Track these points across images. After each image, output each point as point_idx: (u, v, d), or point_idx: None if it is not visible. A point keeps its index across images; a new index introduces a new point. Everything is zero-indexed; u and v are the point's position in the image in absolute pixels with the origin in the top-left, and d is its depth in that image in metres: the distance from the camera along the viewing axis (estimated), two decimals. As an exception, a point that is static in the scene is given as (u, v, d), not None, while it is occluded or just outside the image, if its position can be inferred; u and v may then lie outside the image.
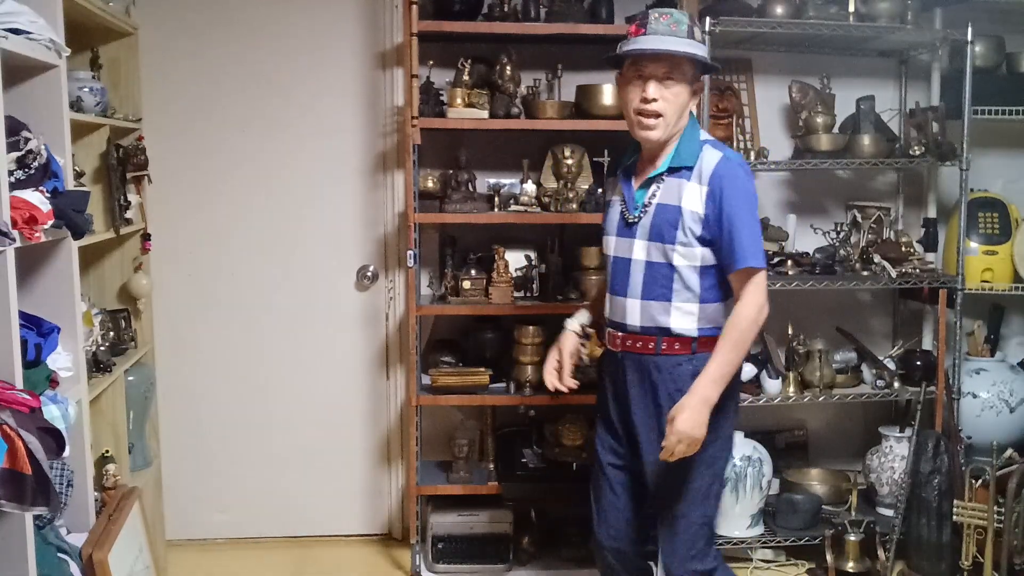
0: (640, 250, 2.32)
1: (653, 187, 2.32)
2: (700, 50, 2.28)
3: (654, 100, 2.25)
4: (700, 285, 2.30)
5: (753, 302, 2.23)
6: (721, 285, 2.32)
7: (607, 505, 2.51)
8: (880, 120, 3.58)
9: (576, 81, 3.41)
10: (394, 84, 3.56)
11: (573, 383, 2.55)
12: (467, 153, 3.44)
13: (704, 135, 2.37)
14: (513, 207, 3.37)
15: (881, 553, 3.21)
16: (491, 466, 3.46)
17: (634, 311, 2.34)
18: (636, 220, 2.33)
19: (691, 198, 2.26)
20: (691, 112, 2.36)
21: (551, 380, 2.55)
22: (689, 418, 2.19)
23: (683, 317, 2.31)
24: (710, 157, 2.28)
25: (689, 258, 2.28)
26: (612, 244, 2.41)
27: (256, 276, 3.63)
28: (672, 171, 2.31)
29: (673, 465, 2.28)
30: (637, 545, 2.52)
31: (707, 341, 2.30)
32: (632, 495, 2.48)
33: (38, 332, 2.18)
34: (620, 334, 2.39)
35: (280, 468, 3.70)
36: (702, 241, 2.27)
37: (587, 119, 3.33)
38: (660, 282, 2.30)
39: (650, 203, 2.31)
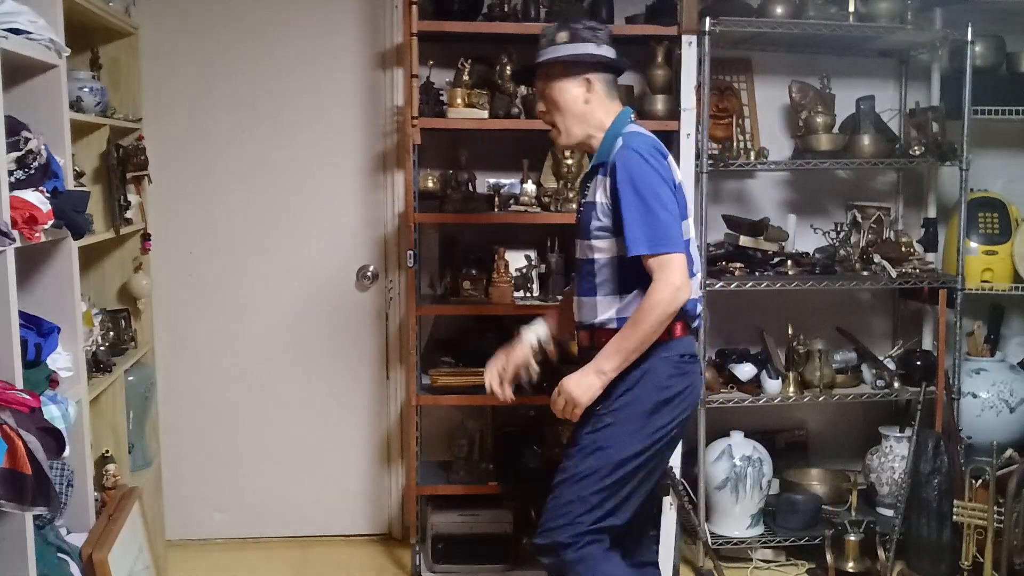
0: (578, 249, 2.43)
1: (587, 187, 2.41)
2: (551, 52, 2.38)
3: (543, 112, 2.44)
4: (619, 277, 2.33)
5: (655, 288, 2.22)
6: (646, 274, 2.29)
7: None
8: (880, 120, 3.58)
9: (576, 81, 3.40)
10: (394, 84, 3.56)
11: (509, 395, 2.56)
12: (467, 153, 3.44)
13: (631, 128, 2.35)
14: (513, 207, 3.37)
15: (881, 553, 3.21)
16: (491, 466, 3.46)
17: (578, 308, 2.43)
18: (578, 220, 2.45)
19: (600, 191, 2.33)
20: (627, 108, 2.42)
21: (492, 382, 2.57)
22: (575, 379, 2.30)
23: (606, 310, 2.35)
24: (617, 149, 2.29)
25: (604, 251, 2.34)
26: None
27: (256, 276, 3.63)
28: (596, 169, 2.38)
29: (569, 447, 2.42)
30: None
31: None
32: None
33: (38, 332, 2.18)
34: (579, 332, 2.48)
35: (280, 468, 3.70)
36: (613, 232, 2.30)
37: (587, 119, 3.33)
38: (586, 278, 2.39)
39: (583, 203, 2.42)
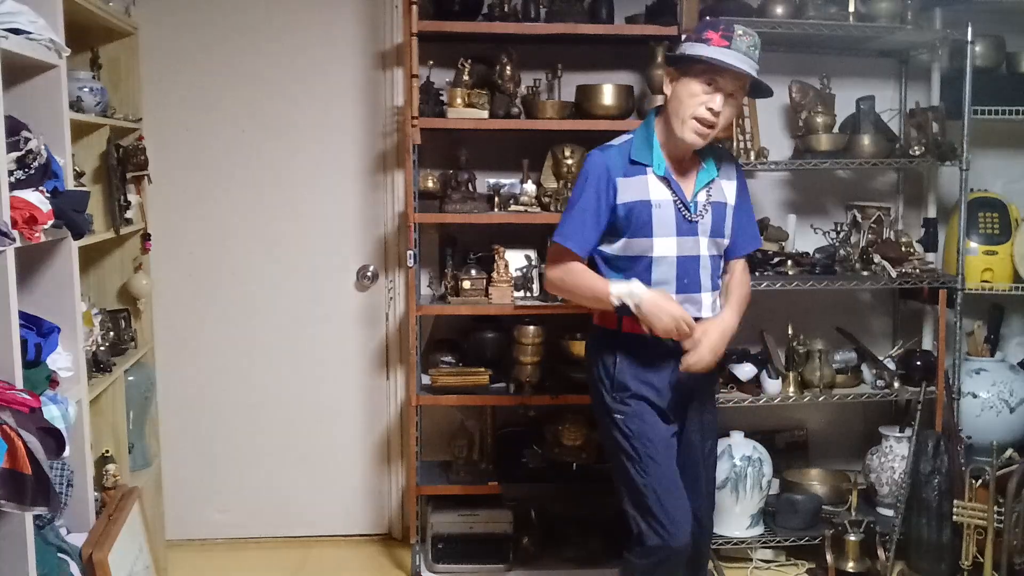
0: (705, 247, 2.43)
1: (707, 187, 2.44)
2: (754, 68, 2.36)
3: (719, 113, 2.32)
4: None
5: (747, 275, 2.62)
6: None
7: (678, 497, 2.42)
8: (880, 120, 3.58)
9: (576, 81, 3.41)
10: (394, 84, 3.56)
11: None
12: (467, 153, 3.44)
13: None
14: (513, 207, 3.37)
15: (881, 553, 3.21)
16: (491, 466, 3.46)
17: (707, 304, 2.45)
18: (697, 219, 2.41)
19: (730, 193, 2.49)
20: None
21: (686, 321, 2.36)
22: (724, 325, 2.43)
23: (716, 303, 2.50)
24: (721, 152, 2.52)
25: (724, 248, 2.51)
26: (671, 245, 2.40)
27: (256, 276, 3.63)
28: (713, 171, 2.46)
29: (708, 441, 2.56)
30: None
31: None
32: None
33: (38, 332, 2.18)
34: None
35: (280, 468, 3.70)
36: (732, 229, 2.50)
37: (587, 119, 3.33)
38: (716, 274, 2.49)
39: (708, 202, 2.43)
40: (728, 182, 2.48)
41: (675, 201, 2.39)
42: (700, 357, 2.35)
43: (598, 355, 2.49)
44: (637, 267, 2.40)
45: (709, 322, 2.40)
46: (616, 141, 2.47)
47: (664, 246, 2.39)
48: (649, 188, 2.39)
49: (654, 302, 2.32)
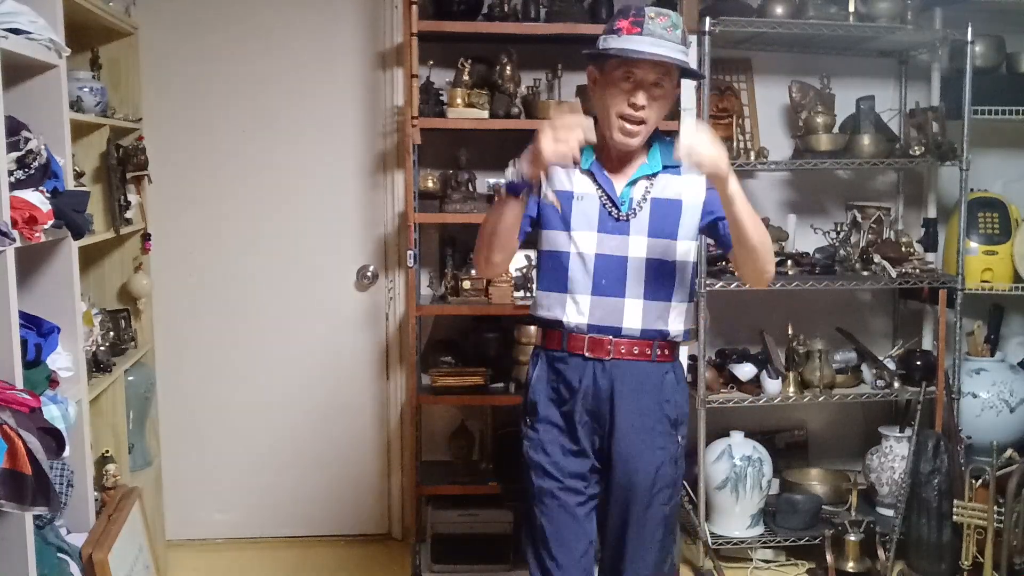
0: (638, 247, 2.14)
1: (644, 183, 2.16)
2: (691, 58, 2.17)
3: (642, 108, 2.08)
4: (690, 283, 2.22)
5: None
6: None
7: (577, 552, 2.18)
8: (880, 120, 3.58)
9: (576, 81, 3.40)
10: (394, 84, 3.56)
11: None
12: (467, 153, 3.44)
13: None
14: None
15: (881, 553, 3.21)
16: (491, 466, 3.46)
17: (635, 312, 2.14)
18: (627, 217, 2.15)
19: (693, 191, 2.17)
20: None
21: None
22: (717, 148, 1.95)
23: (677, 318, 2.19)
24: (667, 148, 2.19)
25: (684, 254, 2.19)
26: (590, 240, 2.15)
27: (256, 276, 3.63)
28: (665, 168, 2.18)
29: (653, 489, 2.17)
30: None
31: (677, 347, 2.24)
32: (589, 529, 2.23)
33: (38, 332, 2.18)
34: (610, 339, 2.15)
35: (280, 468, 3.70)
36: (698, 232, 2.20)
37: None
38: (662, 280, 2.16)
39: (645, 199, 2.15)
40: (691, 177, 2.14)
41: (600, 195, 2.15)
42: (701, 149, 1.93)
43: (526, 372, 2.31)
44: (555, 263, 2.18)
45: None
46: None
47: (582, 242, 2.15)
48: (573, 180, 2.17)
49: (531, 153, 1.99)
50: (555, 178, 2.18)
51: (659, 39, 2.03)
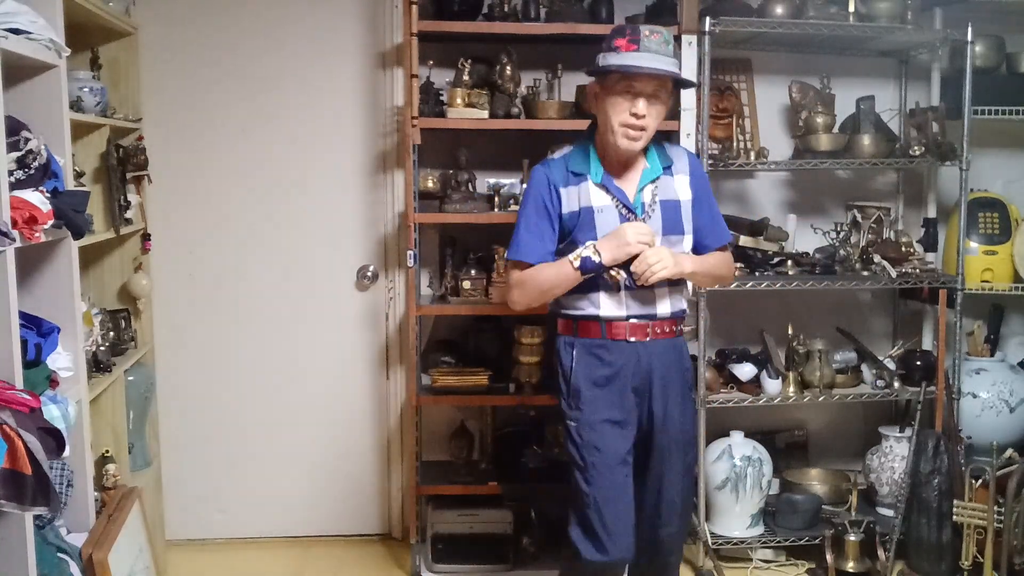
0: (657, 244, 2.40)
1: (651, 187, 2.44)
2: (675, 67, 2.38)
3: (643, 116, 2.34)
4: None
5: (732, 265, 2.65)
6: None
7: (623, 512, 2.42)
8: (880, 120, 3.58)
9: (576, 81, 3.40)
10: (394, 84, 3.56)
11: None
12: (467, 153, 3.44)
13: None
14: (513, 207, 3.37)
15: (881, 553, 3.21)
16: (491, 466, 3.46)
17: (665, 299, 2.44)
18: (643, 219, 2.41)
19: (683, 189, 2.47)
20: None
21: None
22: (667, 258, 2.34)
23: (684, 297, 2.52)
24: (676, 151, 2.53)
25: (687, 244, 2.48)
26: None
27: (256, 276, 3.63)
28: (663, 169, 2.46)
29: (685, 443, 2.51)
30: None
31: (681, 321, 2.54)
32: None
33: (38, 332, 2.18)
34: (648, 323, 2.43)
35: (280, 468, 3.70)
36: (692, 225, 2.49)
37: (587, 119, 3.32)
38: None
39: (655, 201, 2.42)
40: (681, 176, 2.47)
41: (616, 205, 2.41)
42: (652, 257, 2.30)
43: (559, 362, 2.50)
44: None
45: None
46: (556, 154, 2.51)
47: None
48: (591, 195, 2.41)
49: (607, 235, 2.36)
50: (573, 194, 2.43)
51: (655, 54, 2.31)
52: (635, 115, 2.33)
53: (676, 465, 2.49)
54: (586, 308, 2.44)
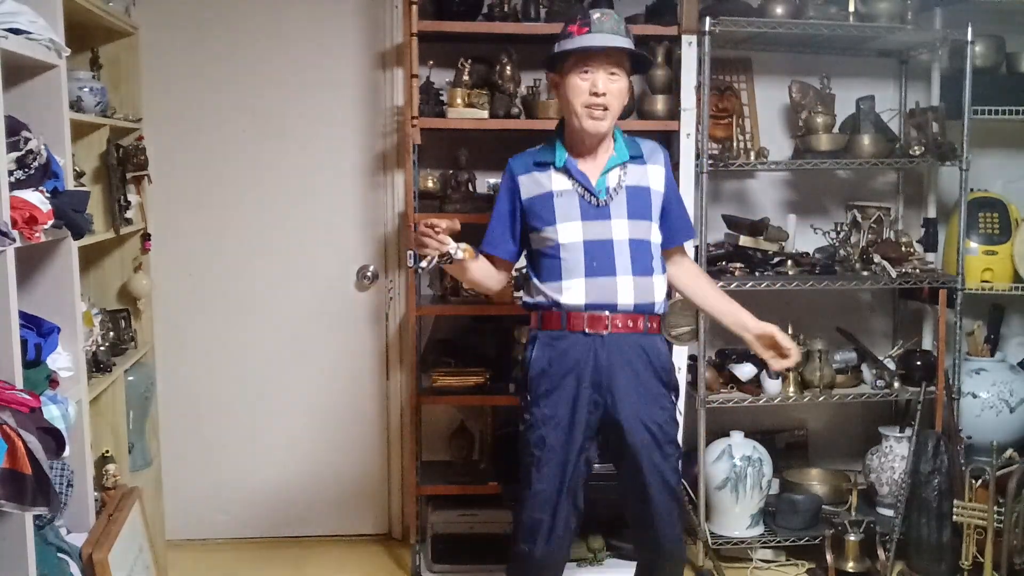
0: (621, 230, 2.39)
1: (617, 172, 2.42)
2: (629, 43, 2.39)
3: (603, 94, 2.34)
4: (661, 260, 2.48)
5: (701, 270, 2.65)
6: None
7: (560, 511, 2.41)
8: (880, 120, 3.58)
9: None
10: (394, 84, 3.56)
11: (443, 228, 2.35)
12: (467, 153, 3.44)
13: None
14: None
15: (881, 553, 3.21)
16: (491, 466, 3.46)
17: (627, 289, 2.37)
18: (606, 203, 2.39)
19: (656, 180, 2.46)
20: None
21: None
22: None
23: (660, 291, 2.44)
24: (648, 144, 2.50)
25: (656, 235, 2.45)
26: (576, 230, 2.38)
27: (256, 276, 3.63)
28: (631, 158, 2.45)
29: (662, 443, 2.40)
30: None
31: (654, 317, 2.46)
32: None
33: (38, 332, 2.18)
34: (606, 314, 2.37)
35: (280, 468, 3.70)
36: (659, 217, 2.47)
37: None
38: (645, 258, 2.41)
39: (620, 185, 2.41)
40: (655, 167, 2.46)
41: (576, 188, 2.40)
42: (789, 355, 2.51)
43: (524, 356, 2.51)
44: (550, 256, 2.42)
45: (765, 327, 2.54)
46: (531, 149, 2.53)
47: (568, 232, 2.39)
48: (551, 180, 2.42)
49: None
50: (533, 181, 2.44)
51: (608, 34, 2.34)
52: (595, 93, 2.33)
53: (657, 468, 2.39)
54: (550, 295, 2.41)
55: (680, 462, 2.51)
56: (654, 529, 2.43)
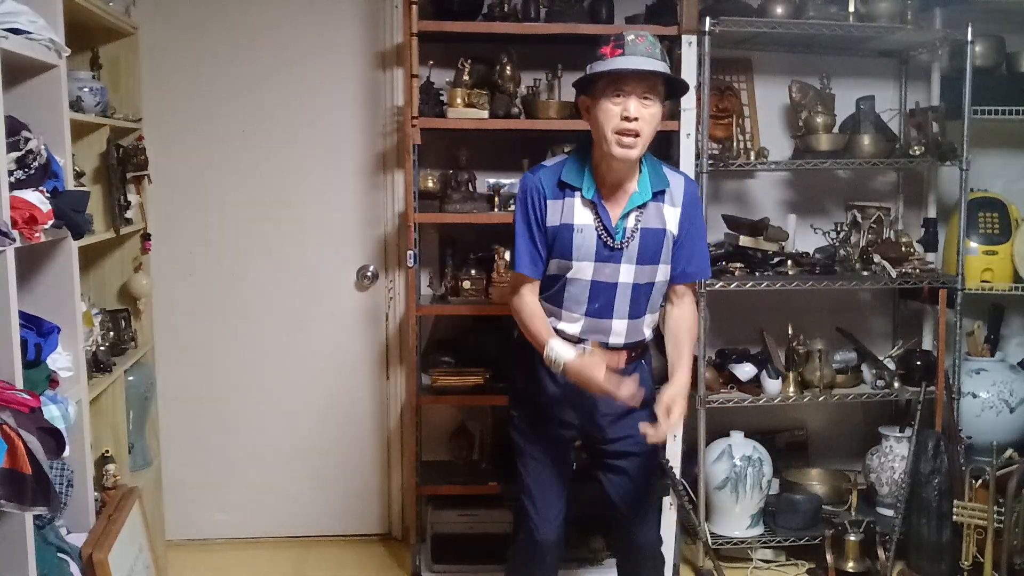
0: (627, 274, 2.37)
1: (635, 214, 2.36)
2: (665, 68, 2.30)
3: (636, 119, 2.25)
4: (659, 298, 2.48)
5: (693, 309, 2.53)
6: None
7: (555, 497, 2.55)
8: (880, 120, 3.58)
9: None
10: (394, 84, 3.56)
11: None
12: (467, 153, 3.44)
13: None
14: (513, 207, 3.36)
15: (881, 553, 3.21)
16: (491, 466, 3.46)
17: (620, 331, 2.42)
18: (621, 246, 2.36)
19: (672, 221, 2.40)
20: None
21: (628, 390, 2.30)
22: (682, 391, 2.35)
23: (649, 327, 2.49)
24: (676, 179, 2.43)
25: (663, 275, 2.43)
26: (587, 269, 2.37)
27: (256, 276, 3.63)
28: (654, 195, 2.38)
29: (641, 451, 2.48)
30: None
31: (647, 345, 2.53)
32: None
33: (38, 332, 2.18)
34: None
35: (280, 468, 3.70)
36: (671, 258, 2.44)
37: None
38: (641, 301, 2.42)
39: (636, 229, 2.36)
40: (671, 208, 2.39)
41: (597, 226, 2.35)
42: (665, 431, 2.28)
43: (522, 361, 2.51)
44: (555, 285, 2.41)
45: (669, 396, 2.30)
46: (548, 162, 2.47)
47: (580, 270, 2.37)
48: (575, 212, 2.36)
49: (576, 373, 2.30)
50: (558, 209, 2.38)
51: (643, 57, 2.24)
52: (627, 118, 2.24)
53: (638, 472, 2.51)
54: (547, 307, 2.44)
55: (656, 458, 2.62)
56: (633, 527, 2.55)
